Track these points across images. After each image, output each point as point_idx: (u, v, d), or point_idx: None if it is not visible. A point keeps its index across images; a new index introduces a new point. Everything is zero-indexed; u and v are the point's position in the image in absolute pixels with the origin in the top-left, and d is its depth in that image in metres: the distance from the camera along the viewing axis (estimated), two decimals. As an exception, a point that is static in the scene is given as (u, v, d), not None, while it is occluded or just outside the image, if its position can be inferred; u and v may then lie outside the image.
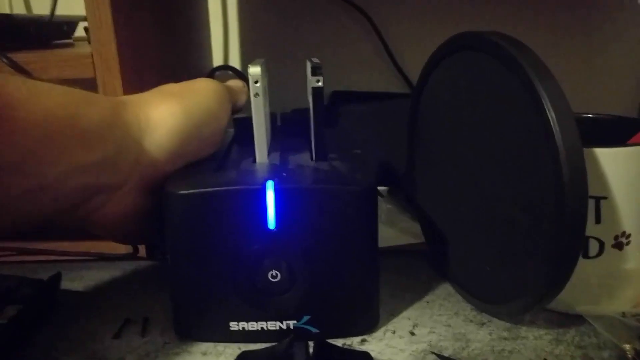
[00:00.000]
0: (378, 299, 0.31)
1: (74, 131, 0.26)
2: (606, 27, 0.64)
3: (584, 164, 0.26)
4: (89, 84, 0.38)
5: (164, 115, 0.30)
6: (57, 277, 0.34)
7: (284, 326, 0.30)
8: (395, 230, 0.44)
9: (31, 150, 0.25)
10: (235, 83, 0.38)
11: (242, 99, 0.38)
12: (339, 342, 0.30)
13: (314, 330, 0.30)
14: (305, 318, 0.30)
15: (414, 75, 0.38)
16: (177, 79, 0.35)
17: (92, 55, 0.38)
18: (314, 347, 0.26)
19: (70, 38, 0.51)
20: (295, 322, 0.30)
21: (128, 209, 0.30)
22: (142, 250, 0.40)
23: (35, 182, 0.25)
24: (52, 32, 0.47)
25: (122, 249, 0.40)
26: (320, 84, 0.31)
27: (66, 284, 0.37)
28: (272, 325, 0.30)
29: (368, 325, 0.31)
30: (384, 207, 0.48)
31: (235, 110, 0.37)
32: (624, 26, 0.64)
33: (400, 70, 0.65)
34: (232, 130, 0.41)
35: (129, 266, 0.40)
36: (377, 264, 0.31)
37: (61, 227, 0.35)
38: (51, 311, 0.33)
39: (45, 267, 0.38)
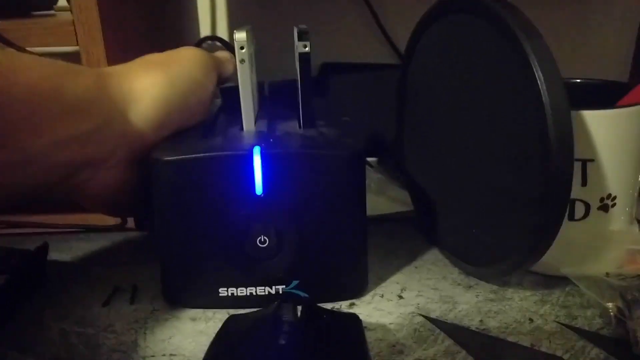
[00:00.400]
0: (366, 263, 0.32)
1: (58, 103, 0.26)
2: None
3: (570, 125, 0.26)
4: (74, 59, 0.37)
5: (148, 85, 0.30)
6: (44, 247, 0.34)
7: (273, 291, 0.30)
8: (385, 198, 0.45)
9: (14, 123, 0.24)
10: (221, 53, 0.38)
11: (228, 69, 0.37)
12: (327, 306, 0.30)
13: (303, 294, 0.30)
14: (294, 283, 0.30)
15: (404, 47, 0.38)
16: (163, 49, 0.34)
17: (73, 24, 0.37)
18: (302, 310, 0.26)
19: (52, 8, 0.50)
20: (284, 287, 0.30)
21: (117, 181, 0.30)
22: (130, 221, 0.40)
23: (20, 156, 0.25)
24: (33, 1, 0.46)
25: (111, 220, 0.40)
26: (307, 49, 0.31)
27: (55, 256, 0.37)
28: (261, 291, 0.30)
29: (357, 289, 0.31)
30: (374, 177, 0.48)
31: (221, 80, 0.36)
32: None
33: (390, 41, 0.65)
34: (219, 100, 0.40)
35: (117, 237, 0.40)
36: (365, 229, 0.31)
37: (50, 199, 0.35)
38: (40, 281, 0.33)
39: (33, 240, 0.38)
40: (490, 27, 0.28)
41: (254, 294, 0.30)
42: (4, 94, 0.24)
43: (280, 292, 0.30)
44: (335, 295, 0.31)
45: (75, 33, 0.37)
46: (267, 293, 0.30)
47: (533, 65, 0.26)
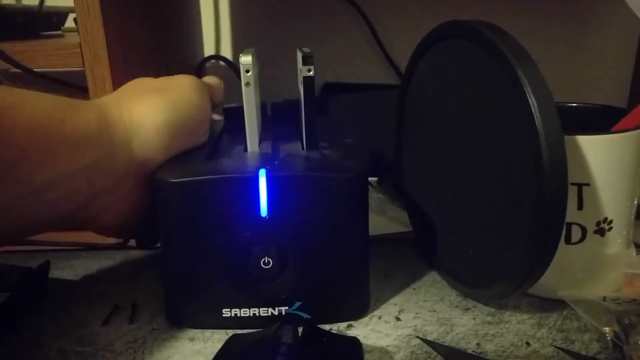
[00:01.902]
0: (369, 283, 0.32)
1: (60, 138, 0.27)
2: (594, 17, 0.65)
3: (564, 151, 0.26)
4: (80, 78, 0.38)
5: (148, 111, 0.30)
6: (45, 265, 0.34)
7: (275, 312, 0.30)
8: (385, 218, 0.45)
9: (18, 157, 0.25)
10: (211, 79, 0.38)
11: (218, 95, 0.37)
12: (325, 327, 0.30)
13: (306, 316, 0.30)
14: (297, 304, 0.30)
15: (405, 67, 0.39)
16: (167, 69, 0.35)
17: (80, 45, 0.38)
18: (303, 331, 0.26)
19: (59, 29, 0.51)
20: (287, 308, 0.30)
21: (131, 206, 0.31)
22: (131, 240, 0.40)
23: (24, 189, 0.26)
24: (41, 22, 0.47)
25: (112, 239, 0.40)
26: (311, 73, 0.31)
27: (56, 273, 0.37)
28: (264, 312, 0.30)
29: (359, 310, 0.32)
30: (375, 197, 0.48)
31: (213, 106, 0.37)
32: (612, 16, 0.65)
33: (391, 61, 0.66)
34: (222, 121, 0.41)
35: (118, 255, 0.40)
36: (367, 251, 0.31)
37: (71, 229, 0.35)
38: (40, 299, 0.34)
39: (34, 257, 0.38)
40: (485, 53, 0.29)
41: (257, 314, 0.30)
42: (7, 129, 0.25)
43: (283, 313, 0.30)
44: (338, 316, 0.31)
45: (82, 54, 0.38)
46: (270, 314, 0.30)
47: (526, 92, 0.26)
